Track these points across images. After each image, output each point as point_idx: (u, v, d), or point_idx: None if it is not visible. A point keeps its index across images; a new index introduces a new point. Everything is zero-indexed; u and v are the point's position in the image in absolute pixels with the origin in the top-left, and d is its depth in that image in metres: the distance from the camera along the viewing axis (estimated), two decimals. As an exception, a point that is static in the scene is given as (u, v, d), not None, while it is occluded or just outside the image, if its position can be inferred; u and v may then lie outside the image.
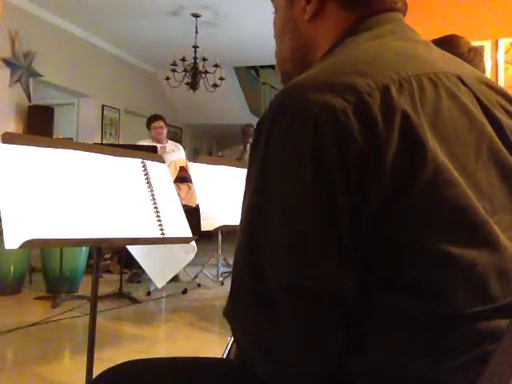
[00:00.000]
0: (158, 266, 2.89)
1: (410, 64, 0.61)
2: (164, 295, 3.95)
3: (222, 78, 6.24)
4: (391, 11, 0.71)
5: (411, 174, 0.54)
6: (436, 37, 1.74)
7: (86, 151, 1.64)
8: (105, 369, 0.75)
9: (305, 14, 0.73)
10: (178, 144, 5.42)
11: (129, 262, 4.31)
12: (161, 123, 5.08)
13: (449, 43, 1.66)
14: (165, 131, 5.12)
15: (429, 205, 0.55)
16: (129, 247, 3.16)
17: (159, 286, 3.14)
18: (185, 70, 6.25)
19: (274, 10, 0.81)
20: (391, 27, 0.70)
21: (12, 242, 1.31)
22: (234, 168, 2.69)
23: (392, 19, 0.71)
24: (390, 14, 0.71)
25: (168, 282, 3.14)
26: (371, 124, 0.54)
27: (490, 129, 0.62)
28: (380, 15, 0.70)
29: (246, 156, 5.61)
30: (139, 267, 4.32)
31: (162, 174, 1.88)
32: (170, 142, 5.27)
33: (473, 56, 1.70)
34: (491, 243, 0.57)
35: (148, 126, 5.18)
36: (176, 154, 5.07)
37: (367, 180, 0.54)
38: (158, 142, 5.03)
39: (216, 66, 6.03)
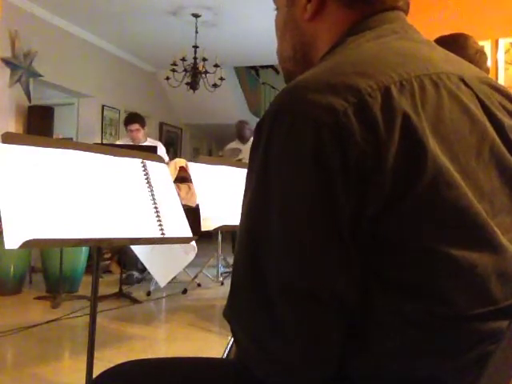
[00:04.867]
0: (160, 265, 2.90)
1: (411, 64, 0.61)
2: (164, 295, 3.94)
3: (222, 78, 6.24)
4: (393, 10, 0.70)
5: (412, 176, 0.54)
6: (436, 37, 1.73)
7: (86, 151, 1.64)
8: (105, 369, 0.75)
9: (305, 13, 0.72)
10: (157, 142, 5.29)
11: (126, 263, 4.25)
12: (136, 126, 4.90)
13: (456, 43, 1.65)
14: (140, 133, 4.94)
15: (429, 206, 0.55)
16: (132, 247, 3.16)
17: (161, 284, 3.15)
18: (185, 70, 6.25)
19: (275, 8, 0.80)
20: (393, 27, 0.69)
21: (12, 242, 1.31)
22: (234, 168, 2.69)
23: (394, 18, 0.70)
24: (391, 12, 0.70)
25: (168, 282, 3.14)
26: (372, 125, 0.54)
27: (491, 130, 0.62)
28: (382, 14, 0.69)
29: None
30: (136, 269, 4.30)
31: (162, 174, 1.88)
32: (148, 139, 5.14)
33: (478, 58, 1.70)
34: (492, 245, 0.56)
35: (125, 126, 5.04)
36: None
37: (368, 181, 0.54)
38: (135, 142, 4.90)
39: (216, 66, 6.03)
